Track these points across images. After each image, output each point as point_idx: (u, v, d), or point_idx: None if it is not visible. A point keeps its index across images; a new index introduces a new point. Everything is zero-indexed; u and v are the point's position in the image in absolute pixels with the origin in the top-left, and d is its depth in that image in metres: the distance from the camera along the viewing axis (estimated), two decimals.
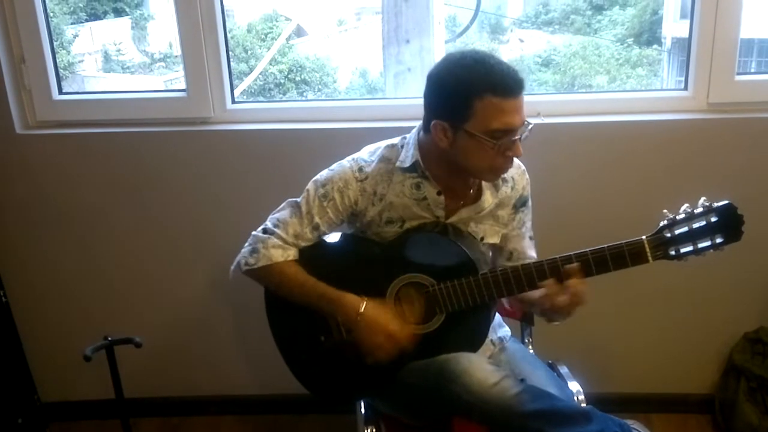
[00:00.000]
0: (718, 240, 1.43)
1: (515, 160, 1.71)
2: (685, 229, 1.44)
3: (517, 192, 1.73)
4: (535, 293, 1.60)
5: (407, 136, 1.69)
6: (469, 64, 1.49)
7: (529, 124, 1.53)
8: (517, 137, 1.51)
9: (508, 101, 1.47)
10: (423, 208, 1.65)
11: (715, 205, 1.43)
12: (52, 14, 2.38)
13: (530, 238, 1.79)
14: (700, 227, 1.44)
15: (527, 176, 1.76)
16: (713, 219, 1.42)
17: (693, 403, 2.49)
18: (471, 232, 1.69)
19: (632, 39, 2.77)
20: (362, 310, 1.60)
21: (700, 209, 1.44)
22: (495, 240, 1.73)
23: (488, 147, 1.49)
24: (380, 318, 1.60)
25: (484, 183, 1.68)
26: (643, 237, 1.47)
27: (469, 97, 1.47)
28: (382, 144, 1.71)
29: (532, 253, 1.78)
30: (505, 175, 1.69)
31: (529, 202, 1.78)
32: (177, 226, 2.38)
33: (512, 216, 1.74)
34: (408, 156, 1.63)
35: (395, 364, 1.64)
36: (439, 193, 1.64)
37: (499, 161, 1.53)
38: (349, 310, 1.61)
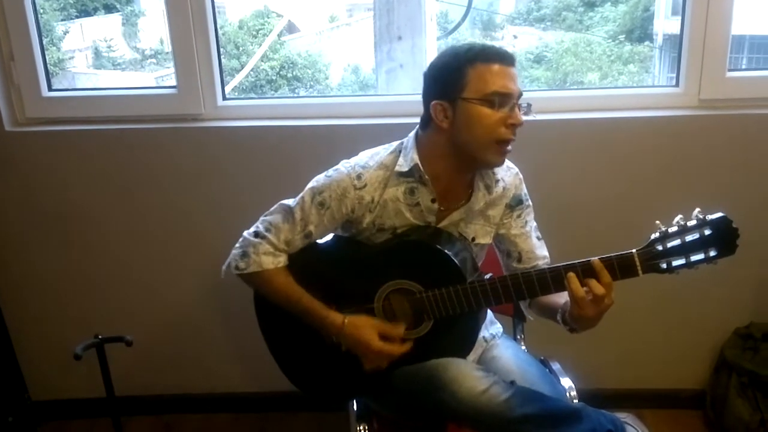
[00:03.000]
0: (712, 253, 1.39)
1: (506, 161, 1.70)
2: (678, 242, 1.40)
3: (509, 192, 1.71)
4: (558, 299, 1.60)
5: (404, 141, 1.67)
6: (459, 46, 1.56)
7: (527, 103, 1.54)
8: (514, 102, 1.51)
9: (500, 66, 1.50)
10: (415, 215, 1.64)
11: (709, 217, 1.39)
12: (41, 11, 2.36)
13: (538, 238, 1.77)
14: (693, 240, 1.39)
15: (520, 176, 1.74)
16: (707, 232, 1.38)
17: (684, 399, 2.50)
18: (462, 233, 1.68)
19: (624, 36, 2.78)
20: (343, 330, 1.61)
21: (693, 221, 1.39)
22: (487, 240, 1.72)
23: (487, 114, 1.50)
24: (362, 335, 1.60)
25: (477, 185, 1.66)
26: (634, 250, 1.43)
27: (462, 68, 1.50)
28: (381, 150, 1.68)
29: (543, 252, 1.75)
30: (497, 176, 1.68)
31: (528, 202, 1.76)
32: (168, 223, 2.37)
33: (508, 215, 1.73)
34: (407, 160, 1.61)
35: (386, 368, 1.65)
36: (433, 201, 1.62)
37: (501, 131, 1.51)
38: (332, 329, 1.63)
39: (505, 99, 1.50)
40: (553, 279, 1.50)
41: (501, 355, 1.74)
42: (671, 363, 2.47)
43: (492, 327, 1.84)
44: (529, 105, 1.54)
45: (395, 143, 1.68)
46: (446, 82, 1.53)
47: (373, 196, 1.63)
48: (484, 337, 1.79)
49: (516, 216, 1.73)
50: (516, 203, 1.73)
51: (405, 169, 1.60)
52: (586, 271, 1.45)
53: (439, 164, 1.60)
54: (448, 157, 1.59)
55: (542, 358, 1.86)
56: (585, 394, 1.73)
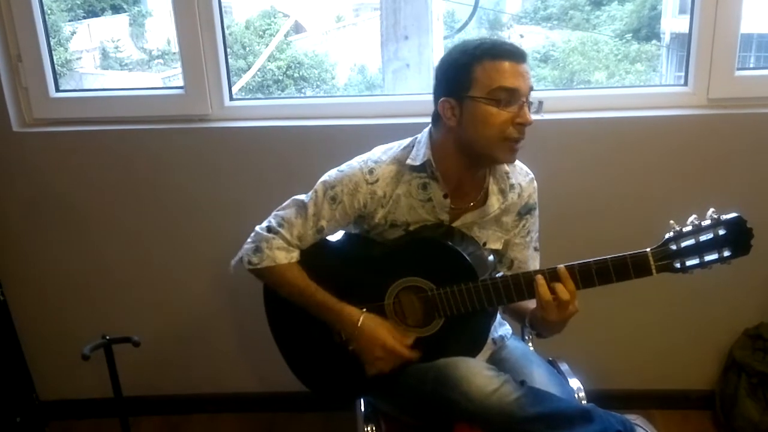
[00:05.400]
0: (726, 254, 1.39)
1: (523, 167, 1.71)
2: (692, 241, 1.40)
3: (523, 199, 1.71)
4: (529, 304, 1.59)
5: (418, 136, 1.66)
6: (470, 41, 1.54)
7: (538, 100, 1.52)
8: (522, 101, 1.49)
9: (509, 63, 1.48)
10: (428, 211, 1.63)
11: (724, 217, 1.39)
12: (49, 12, 2.37)
13: (535, 249, 1.77)
14: (707, 240, 1.39)
15: (535, 184, 1.73)
16: (721, 232, 1.38)
17: (694, 400, 2.49)
18: (474, 237, 1.67)
19: (631, 34, 2.77)
20: (360, 324, 1.60)
21: (707, 221, 1.40)
22: (497, 246, 1.71)
23: (494, 113, 1.48)
24: (378, 332, 1.60)
25: (491, 187, 1.65)
26: (648, 249, 1.43)
27: (470, 65, 1.49)
28: (396, 145, 1.68)
29: (534, 265, 1.76)
30: (513, 182, 1.67)
31: (536, 212, 1.75)
32: (175, 223, 2.37)
33: (516, 223, 1.72)
34: (420, 154, 1.61)
35: (391, 371, 1.64)
36: (445, 196, 1.61)
37: (509, 130, 1.50)
38: (347, 322, 1.61)
39: (512, 96, 1.48)
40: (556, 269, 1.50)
41: (510, 356, 1.74)
42: (680, 364, 2.46)
43: (501, 328, 1.84)
44: (540, 103, 1.53)
45: (409, 138, 1.68)
46: (454, 79, 1.52)
47: (385, 191, 1.62)
48: (493, 338, 1.79)
49: (522, 225, 1.73)
50: (526, 212, 1.72)
51: (417, 163, 1.60)
52: (553, 277, 1.48)
53: (450, 162, 1.60)
54: (458, 155, 1.58)
55: (551, 358, 1.86)
56: (594, 394, 1.72)
